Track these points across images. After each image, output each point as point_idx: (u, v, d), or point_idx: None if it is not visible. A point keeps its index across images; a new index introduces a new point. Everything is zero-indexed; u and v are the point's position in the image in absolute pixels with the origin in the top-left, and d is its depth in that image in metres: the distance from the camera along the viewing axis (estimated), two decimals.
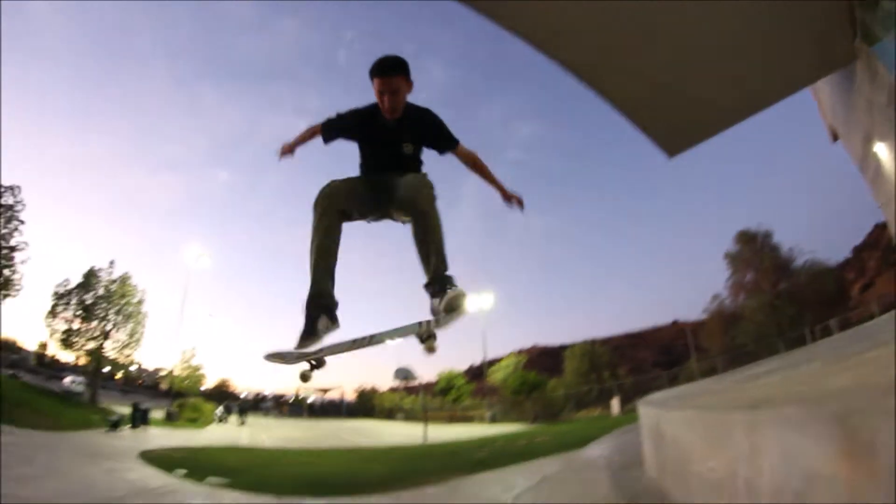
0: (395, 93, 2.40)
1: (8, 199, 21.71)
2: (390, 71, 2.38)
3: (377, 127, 2.50)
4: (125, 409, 19.64)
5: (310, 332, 2.24)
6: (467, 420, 30.90)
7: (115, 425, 14.87)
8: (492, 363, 35.03)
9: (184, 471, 8.01)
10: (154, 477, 7.29)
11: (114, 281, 23.31)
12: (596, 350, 31.27)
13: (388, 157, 2.54)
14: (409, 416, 38.91)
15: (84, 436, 12.42)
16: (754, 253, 29.06)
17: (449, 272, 2.39)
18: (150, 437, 14.12)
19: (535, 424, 22.33)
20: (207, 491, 6.76)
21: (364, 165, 2.62)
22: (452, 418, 32.53)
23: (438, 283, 2.33)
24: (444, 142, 2.57)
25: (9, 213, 21.56)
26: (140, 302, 24.05)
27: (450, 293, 2.28)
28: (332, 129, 2.64)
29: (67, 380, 33.79)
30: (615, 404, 20.52)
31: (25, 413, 12.33)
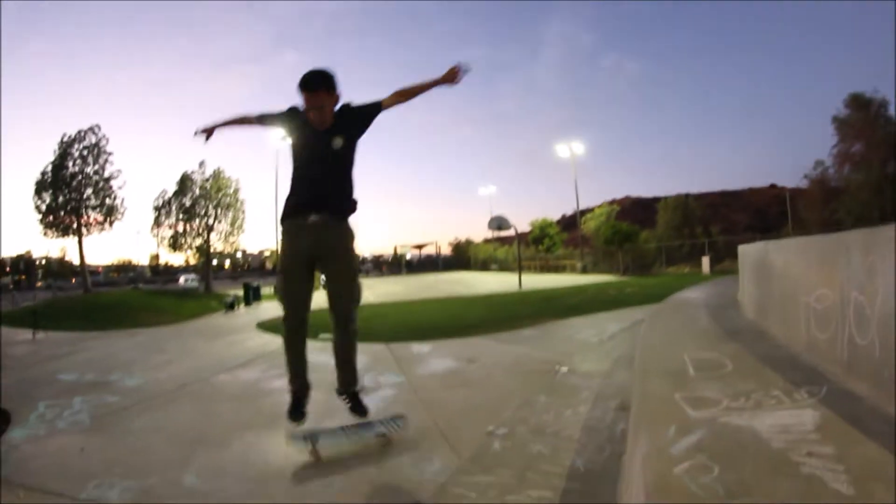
0: (321, 108, 2.52)
1: (91, 139, 23.32)
2: (314, 87, 2.49)
3: (308, 133, 2.65)
4: (238, 291, 21.65)
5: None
6: (559, 269, 31.45)
7: (230, 306, 16.28)
8: (584, 213, 34.65)
9: None
10: (272, 342, 7.89)
11: (207, 179, 24.61)
12: (690, 204, 29.87)
13: (318, 160, 2.66)
14: (504, 266, 40.49)
15: (205, 320, 13.65)
16: (866, 121, 25.34)
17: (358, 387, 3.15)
18: (263, 311, 15.17)
19: (625, 276, 22.30)
20: (321, 345, 7.47)
21: (296, 171, 2.76)
22: (545, 267, 33.34)
23: (350, 397, 3.11)
24: (371, 114, 2.70)
25: (96, 151, 23.31)
26: (236, 191, 25.44)
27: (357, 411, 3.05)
28: (267, 120, 2.89)
29: (182, 279, 38.15)
30: (706, 262, 20.02)
31: (150, 315, 13.85)
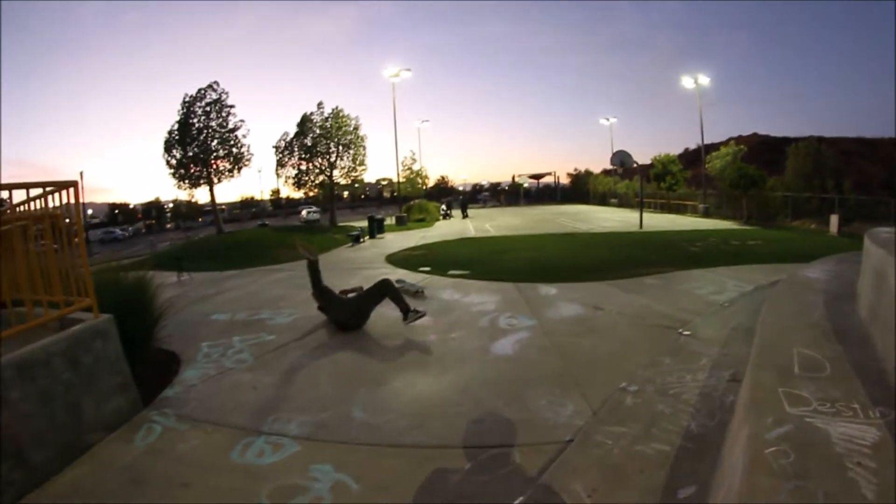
0: None
1: (212, 96, 25.31)
2: None
3: None
4: (361, 223, 22.86)
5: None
6: (680, 210, 29.95)
7: (356, 239, 16.72)
8: (707, 149, 31.94)
9: (427, 268, 9.38)
10: (405, 276, 8.40)
11: (327, 118, 25.72)
12: (822, 152, 26.29)
13: None
14: (623, 201, 38.93)
15: (335, 254, 14.00)
16: None
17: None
18: (388, 244, 15.88)
19: (747, 225, 20.99)
20: (454, 282, 7.85)
21: None
22: (665, 206, 31.74)
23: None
24: None
25: (217, 106, 25.29)
26: (356, 128, 26.38)
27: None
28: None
29: (304, 212, 40.47)
30: (834, 221, 17.85)
31: (283, 250, 13.96)
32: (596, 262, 9.47)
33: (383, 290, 5.45)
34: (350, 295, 6.06)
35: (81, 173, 38.21)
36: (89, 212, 79.90)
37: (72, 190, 3.45)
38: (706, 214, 26.49)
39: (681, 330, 4.76)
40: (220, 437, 3.18)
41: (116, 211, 77.51)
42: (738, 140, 37.89)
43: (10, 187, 3.42)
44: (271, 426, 3.29)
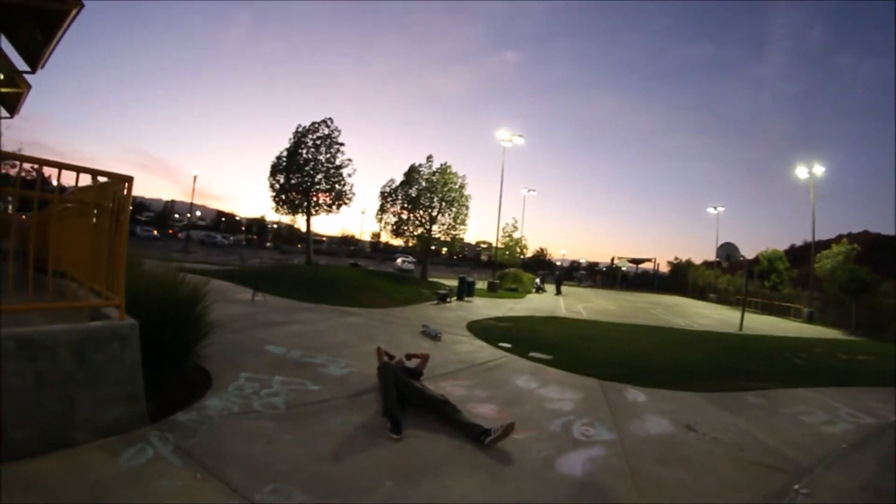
0: None
1: (324, 130, 26.75)
2: None
3: None
4: (451, 282, 22.64)
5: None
6: (782, 312, 27.17)
7: (443, 298, 16.14)
8: (816, 247, 28.67)
9: (508, 344, 8.57)
10: (481, 350, 7.85)
11: (434, 172, 26.17)
12: None
13: None
14: (722, 297, 37.08)
15: (417, 309, 13.33)
16: None
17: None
18: (474, 308, 15.32)
19: (855, 335, 18.59)
20: (533, 367, 7.00)
21: None
22: (766, 307, 28.96)
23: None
24: None
25: (328, 141, 26.62)
26: (462, 186, 26.49)
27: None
28: None
29: (399, 260, 41.69)
30: None
31: (366, 294, 14.04)
32: (691, 366, 8.32)
33: (439, 407, 4.37)
34: (413, 366, 5.26)
35: (195, 177, 41.92)
36: (198, 213, 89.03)
37: (127, 185, 3.43)
38: (810, 320, 23.95)
39: (797, 486, 3.54)
40: (207, 489, 2.75)
41: (223, 219, 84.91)
42: (849, 237, 33.72)
43: (77, 170, 3.35)
44: (266, 497, 2.75)
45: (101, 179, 3.47)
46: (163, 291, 4.43)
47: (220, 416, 3.81)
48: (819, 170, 28.00)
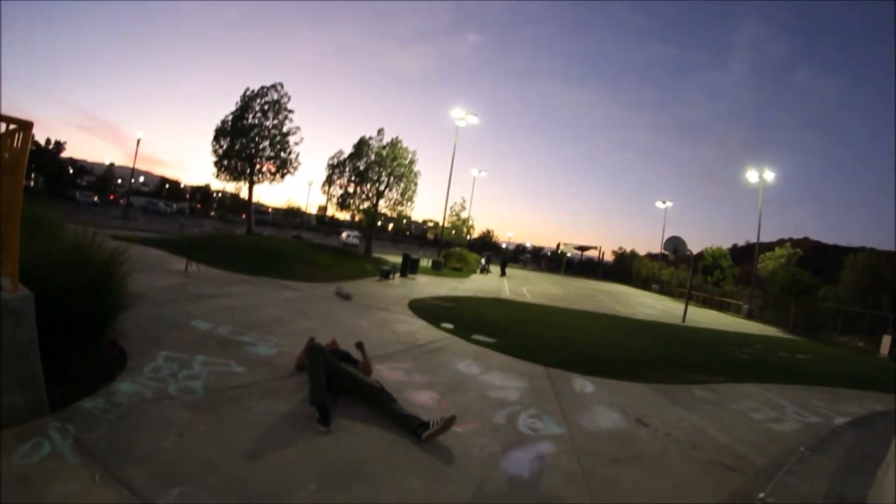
0: None
1: (273, 96, 25.50)
2: None
3: None
4: (396, 258, 22.07)
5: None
6: (723, 307, 28.83)
7: (386, 274, 15.70)
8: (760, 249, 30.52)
9: (450, 325, 8.32)
10: (422, 331, 7.53)
11: (384, 146, 25.25)
12: (881, 266, 24.77)
13: None
14: (665, 289, 38.46)
15: (359, 285, 12.65)
16: None
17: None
18: (417, 285, 15.03)
19: (793, 333, 20.06)
20: (476, 351, 6.73)
21: None
22: (707, 301, 30.83)
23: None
24: None
25: (276, 107, 25.48)
26: (412, 162, 25.78)
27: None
28: None
29: (344, 234, 40.44)
30: (886, 342, 17.08)
31: (305, 268, 13.37)
32: (639, 356, 8.40)
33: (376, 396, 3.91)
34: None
35: (139, 140, 38.47)
36: (141, 179, 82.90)
37: (23, 132, 2.85)
38: (749, 316, 25.35)
39: (762, 495, 3.35)
40: (105, 494, 2.36)
41: (167, 185, 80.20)
42: (790, 242, 36.58)
43: None
44: (171, 501, 2.38)
45: None
46: (73, 257, 3.84)
47: (131, 402, 3.36)
48: (769, 175, 29.40)
